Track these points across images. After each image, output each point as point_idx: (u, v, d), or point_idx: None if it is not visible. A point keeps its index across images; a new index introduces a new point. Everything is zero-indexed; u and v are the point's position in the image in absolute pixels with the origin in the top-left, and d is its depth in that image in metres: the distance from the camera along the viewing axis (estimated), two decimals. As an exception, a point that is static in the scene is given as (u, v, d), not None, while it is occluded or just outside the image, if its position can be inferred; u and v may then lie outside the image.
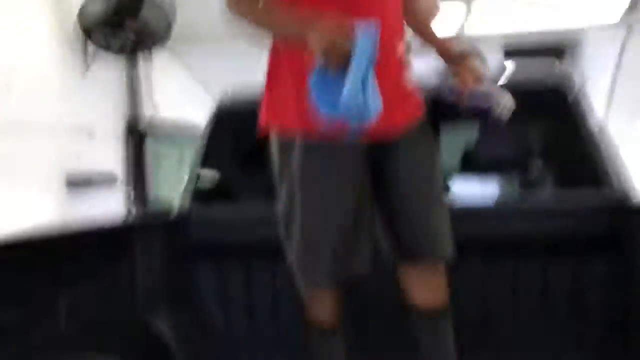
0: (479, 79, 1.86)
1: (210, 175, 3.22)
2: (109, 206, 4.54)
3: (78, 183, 5.54)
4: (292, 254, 1.85)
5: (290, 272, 1.85)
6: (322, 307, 1.96)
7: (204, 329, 2.82)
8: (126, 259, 2.50)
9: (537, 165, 3.12)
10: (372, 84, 1.47)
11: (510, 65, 3.06)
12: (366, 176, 1.79)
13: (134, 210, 4.03)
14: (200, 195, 3.09)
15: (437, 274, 1.86)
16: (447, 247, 1.83)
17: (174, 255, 2.74)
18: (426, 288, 1.86)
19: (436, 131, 2.24)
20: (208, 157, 3.08)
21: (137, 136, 3.54)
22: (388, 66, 1.71)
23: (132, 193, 3.52)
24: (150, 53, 4.46)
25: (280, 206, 1.88)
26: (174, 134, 4.10)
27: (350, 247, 1.78)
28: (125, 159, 3.56)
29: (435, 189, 1.86)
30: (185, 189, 3.04)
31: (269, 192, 2.65)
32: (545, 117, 3.09)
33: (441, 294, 1.86)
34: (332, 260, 1.78)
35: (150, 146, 3.97)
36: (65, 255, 2.12)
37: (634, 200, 2.32)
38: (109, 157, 4.99)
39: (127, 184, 3.55)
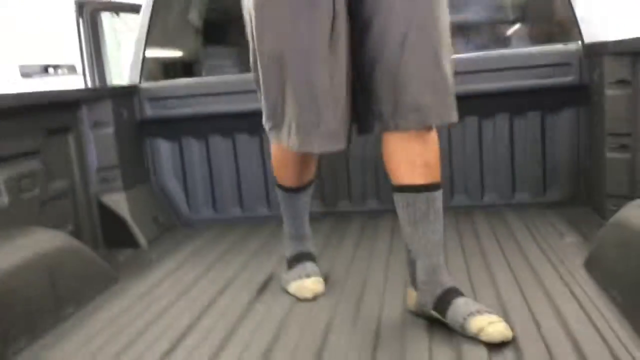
0: None
1: (158, 50, 3.02)
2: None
3: (33, 74, 5.29)
4: (263, 104, 1.61)
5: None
6: (288, 171, 1.80)
7: (165, 204, 2.71)
8: (75, 131, 2.33)
9: (512, 28, 3.04)
10: None
11: None
12: (338, 14, 1.44)
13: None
14: (153, 70, 2.90)
15: (421, 145, 1.49)
16: (439, 110, 1.45)
17: (127, 128, 2.57)
18: (405, 161, 1.50)
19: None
20: (154, 31, 2.83)
21: (89, 12, 3.25)
22: None
23: (88, 74, 3.28)
24: None
25: (250, 52, 1.60)
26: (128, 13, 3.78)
27: (325, 106, 1.46)
28: (79, 38, 3.28)
29: (430, 28, 1.42)
30: (133, 65, 2.81)
31: (226, 65, 2.48)
32: None
33: (423, 168, 1.49)
34: (297, 114, 1.49)
35: (108, 33, 3.67)
36: (3, 125, 1.93)
37: (600, 50, 2.21)
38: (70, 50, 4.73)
39: (83, 65, 3.30)
